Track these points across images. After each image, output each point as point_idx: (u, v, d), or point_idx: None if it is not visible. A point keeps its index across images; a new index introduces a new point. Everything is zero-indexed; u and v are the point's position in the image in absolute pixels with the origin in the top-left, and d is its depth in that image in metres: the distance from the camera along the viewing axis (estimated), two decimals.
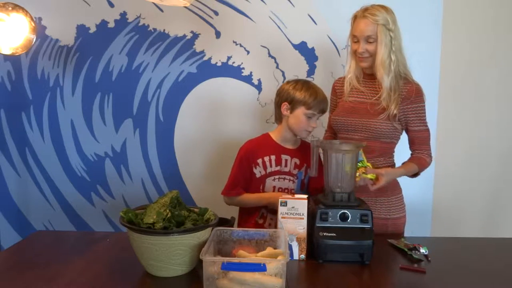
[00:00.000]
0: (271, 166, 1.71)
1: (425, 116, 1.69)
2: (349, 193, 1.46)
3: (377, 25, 1.62)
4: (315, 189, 1.70)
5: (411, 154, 1.72)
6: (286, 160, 1.72)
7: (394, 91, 1.65)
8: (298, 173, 1.72)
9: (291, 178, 1.72)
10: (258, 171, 1.71)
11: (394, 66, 1.64)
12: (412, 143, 1.72)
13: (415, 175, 1.70)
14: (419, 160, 1.68)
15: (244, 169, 1.71)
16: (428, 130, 1.70)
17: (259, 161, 1.71)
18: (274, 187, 1.72)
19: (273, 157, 1.71)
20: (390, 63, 1.64)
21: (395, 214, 1.71)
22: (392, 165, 1.74)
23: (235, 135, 1.97)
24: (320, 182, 1.61)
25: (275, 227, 1.65)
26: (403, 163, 1.70)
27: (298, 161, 1.72)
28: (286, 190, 1.71)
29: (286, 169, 1.71)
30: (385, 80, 1.64)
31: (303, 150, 1.75)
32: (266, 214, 1.73)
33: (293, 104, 1.67)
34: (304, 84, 1.70)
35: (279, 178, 1.71)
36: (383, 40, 1.62)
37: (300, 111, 1.66)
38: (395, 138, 1.72)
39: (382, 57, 1.63)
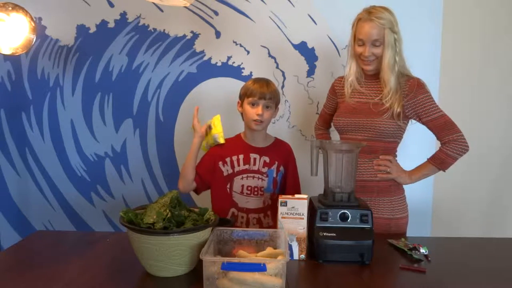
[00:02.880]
0: (238, 165, 1.74)
1: (434, 104, 1.66)
2: (349, 193, 1.46)
3: (384, 29, 1.61)
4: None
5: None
6: (254, 159, 1.74)
7: (396, 91, 1.65)
8: (268, 171, 1.74)
9: (261, 176, 1.74)
10: (226, 169, 1.74)
11: (398, 67, 1.65)
12: (435, 134, 1.68)
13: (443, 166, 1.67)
14: (432, 158, 1.67)
15: (207, 161, 1.76)
16: (443, 115, 1.65)
17: (228, 159, 1.74)
18: (243, 185, 1.74)
19: (241, 156, 1.74)
20: (395, 65, 1.64)
21: (398, 214, 1.72)
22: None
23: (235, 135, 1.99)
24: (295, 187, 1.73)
25: (246, 225, 1.72)
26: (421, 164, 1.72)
27: (267, 159, 1.74)
28: (255, 188, 1.73)
29: (255, 168, 1.73)
30: (392, 82, 1.64)
31: (274, 148, 1.77)
32: (237, 213, 1.75)
33: (241, 99, 1.74)
34: (249, 80, 1.77)
35: (247, 177, 1.73)
36: (389, 43, 1.62)
37: (245, 103, 1.71)
38: (398, 137, 1.73)
39: (388, 60, 1.63)
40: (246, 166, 1.74)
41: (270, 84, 1.72)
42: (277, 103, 1.74)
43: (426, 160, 1.71)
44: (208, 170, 1.75)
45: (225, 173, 1.74)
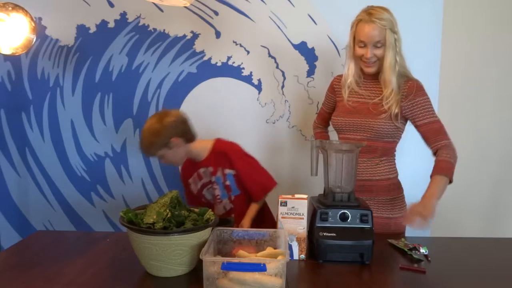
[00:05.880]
0: (196, 184, 1.82)
1: (432, 108, 1.65)
2: (349, 193, 1.46)
3: (386, 30, 1.60)
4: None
5: (435, 156, 1.61)
6: (203, 172, 1.78)
7: (396, 92, 1.65)
8: (215, 179, 1.76)
9: (213, 186, 1.78)
10: (193, 189, 1.84)
11: (398, 67, 1.64)
12: (426, 139, 1.64)
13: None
14: (442, 169, 1.55)
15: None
16: (438, 121, 1.63)
17: (189, 181, 1.83)
18: (205, 197, 1.83)
19: (195, 175, 1.81)
20: (396, 65, 1.63)
21: (397, 214, 1.71)
22: (394, 164, 1.74)
23: (235, 135, 1.98)
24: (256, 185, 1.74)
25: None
26: (432, 180, 1.55)
27: (211, 169, 1.76)
28: (216, 197, 1.78)
29: (206, 180, 1.79)
30: (394, 82, 1.63)
31: (212, 156, 1.76)
32: None
33: None
34: None
35: (207, 189, 1.81)
36: (391, 44, 1.61)
37: None
38: (397, 137, 1.72)
39: (390, 60, 1.62)
40: (202, 181, 1.80)
41: (143, 141, 1.67)
42: (163, 145, 1.65)
43: (432, 177, 1.56)
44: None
45: (195, 192, 1.83)
